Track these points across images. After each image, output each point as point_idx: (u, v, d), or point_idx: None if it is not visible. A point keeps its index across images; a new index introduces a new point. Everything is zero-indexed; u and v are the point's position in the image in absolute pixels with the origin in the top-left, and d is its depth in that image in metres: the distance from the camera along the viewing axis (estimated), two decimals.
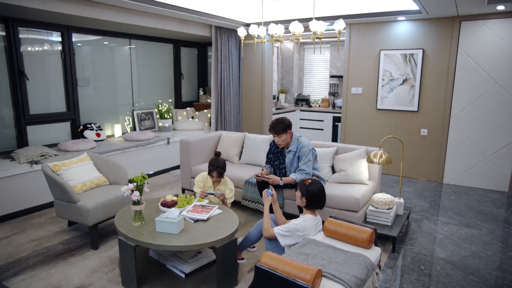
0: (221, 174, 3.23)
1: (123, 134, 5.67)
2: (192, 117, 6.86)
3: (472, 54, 4.83)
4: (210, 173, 3.23)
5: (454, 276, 2.81)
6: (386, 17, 5.14)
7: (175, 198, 2.96)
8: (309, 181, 2.53)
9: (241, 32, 4.31)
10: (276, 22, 4.46)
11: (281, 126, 3.30)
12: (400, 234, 3.45)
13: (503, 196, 4.68)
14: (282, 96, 8.35)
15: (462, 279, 2.77)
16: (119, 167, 3.73)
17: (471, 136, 4.98)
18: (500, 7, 4.29)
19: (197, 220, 2.66)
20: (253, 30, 4.21)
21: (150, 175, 5.39)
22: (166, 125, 6.10)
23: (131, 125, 5.94)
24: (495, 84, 4.74)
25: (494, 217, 4.01)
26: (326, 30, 4.03)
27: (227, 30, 6.18)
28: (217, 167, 3.19)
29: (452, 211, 4.18)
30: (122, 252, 2.53)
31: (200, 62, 7.36)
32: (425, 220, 3.90)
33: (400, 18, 5.13)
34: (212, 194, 3.15)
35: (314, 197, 2.50)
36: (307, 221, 2.49)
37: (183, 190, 4.58)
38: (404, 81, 5.34)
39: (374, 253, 2.30)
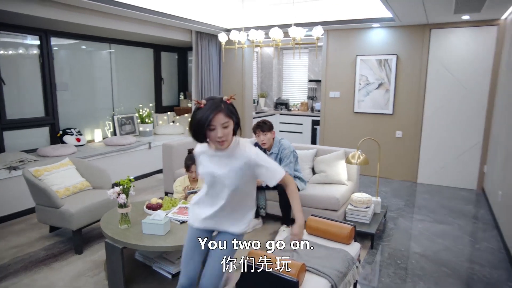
0: None
1: (104, 139, 5.62)
2: (173, 122, 6.87)
3: (442, 60, 5.11)
4: (188, 168, 3.32)
5: (428, 269, 2.98)
6: (361, 24, 5.36)
7: (160, 201, 3.00)
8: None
9: (222, 37, 4.40)
10: (257, 28, 4.58)
11: (267, 125, 3.53)
12: (378, 231, 3.61)
13: (471, 194, 4.96)
14: (261, 100, 8.47)
15: (435, 271, 2.94)
16: (102, 172, 3.73)
17: (442, 137, 5.25)
18: (465, 17, 4.58)
19: (183, 222, 2.71)
20: (234, 36, 4.31)
21: None
22: (147, 129, 6.09)
23: (111, 130, 5.90)
24: (464, 88, 5.02)
25: (463, 213, 4.24)
26: (305, 36, 4.18)
27: (207, 35, 6.25)
28: (194, 160, 3.24)
29: (426, 208, 4.40)
30: (108, 255, 2.56)
31: (181, 67, 7.39)
32: (401, 218, 4.09)
33: (375, 25, 5.35)
34: (195, 192, 3.17)
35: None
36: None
37: (166, 194, 4.60)
38: (380, 85, 5.57)
39: (354, 248, 2.43)
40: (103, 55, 5.81)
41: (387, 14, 4.86)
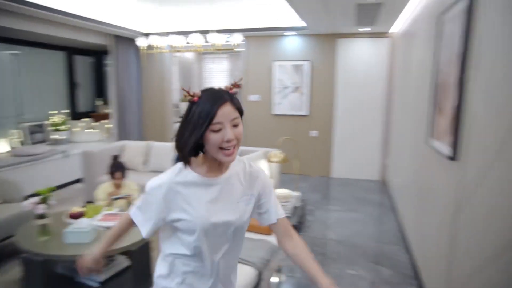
0: (124, 174, 3.28)
1: (12, 149, 5.13)
2: (90, 128, 6.53)
3: (347, 66, 5.73)
4: (113, 175, 3.24)
5: (342, 252, 3.36)
6: (277, 32, 5.75)
7: (82, 209, 2.90)
8: None
9: (141, 42, 4.37)
10: (177, 33, 4.63)
11: None
12: (298, 223, 3.93)
13: (376, 184, 5.63)
14: (183, 105, 8.47)
15: (348, 253, 3.34)
16: (12, 184, 3.45)
17: (350, 135, 5.87)
18: (365, 29, 5.22)
19: (109, 228, 2.67)
20: (153, 41, 4.32)
21: None
22: (62, 137, 5.71)
23: (20, 139, 5.40)
24: (366, 91, 5.69)
25: (370, 201, 4.82)
26: (226, 42, 4.37)
27: (126, 39, 6.08)
28: (119, 167, 3.25)
29: (339, 200, 4.89)
30: (27, 271, 2.42)
31: (97, 71, 7.05)
32: (318, 210, 4.49)
33: (290, 33, 5.78)
34: (120, 198, 3.13)
35: None
36: None
37: (88, 203, 4.38)
38: (296, 89, 6.01)
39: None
40: (5, 57, 5.30)
41: (302, 23, 5.29)
